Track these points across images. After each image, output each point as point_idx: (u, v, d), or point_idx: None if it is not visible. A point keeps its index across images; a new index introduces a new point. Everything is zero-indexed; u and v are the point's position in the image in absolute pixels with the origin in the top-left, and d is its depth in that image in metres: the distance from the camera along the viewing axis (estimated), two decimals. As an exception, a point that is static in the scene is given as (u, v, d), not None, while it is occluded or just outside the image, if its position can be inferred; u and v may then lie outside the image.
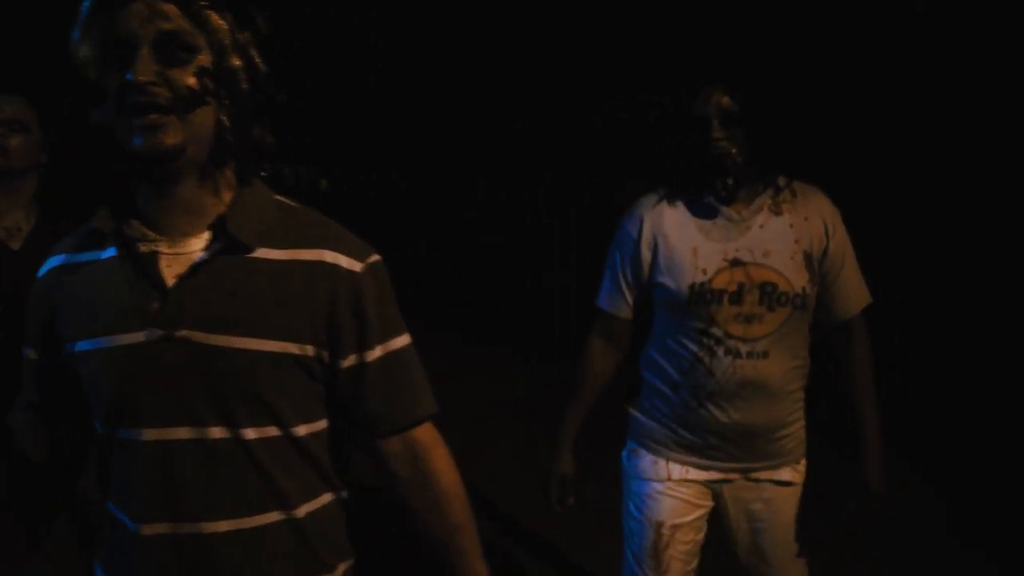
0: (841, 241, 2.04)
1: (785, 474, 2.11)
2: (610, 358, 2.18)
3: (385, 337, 1.36)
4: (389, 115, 13.38)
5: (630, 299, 2.11)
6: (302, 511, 1.35)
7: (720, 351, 1.98)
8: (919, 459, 4.63)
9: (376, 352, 1.35)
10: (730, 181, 1.96)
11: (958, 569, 3.56)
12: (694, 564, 2.15)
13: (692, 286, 1.98)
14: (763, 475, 2.10)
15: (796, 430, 2.12)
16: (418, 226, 11.85)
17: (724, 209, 2.00)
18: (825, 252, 2.02)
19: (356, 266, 1.33)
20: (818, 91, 9.23)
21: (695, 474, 2.10)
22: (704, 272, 1.98)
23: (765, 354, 1.98)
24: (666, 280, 2.02)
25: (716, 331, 1.98)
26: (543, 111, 11.68)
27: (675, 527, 2.10)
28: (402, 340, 1.39)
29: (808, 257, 2.00)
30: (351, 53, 14.04)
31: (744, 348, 1.98)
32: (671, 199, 2.06)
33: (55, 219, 2.23)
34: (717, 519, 2.18)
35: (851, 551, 3.60)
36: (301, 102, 13.23)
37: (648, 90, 10.68)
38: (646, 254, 2.05)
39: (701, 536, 2.15)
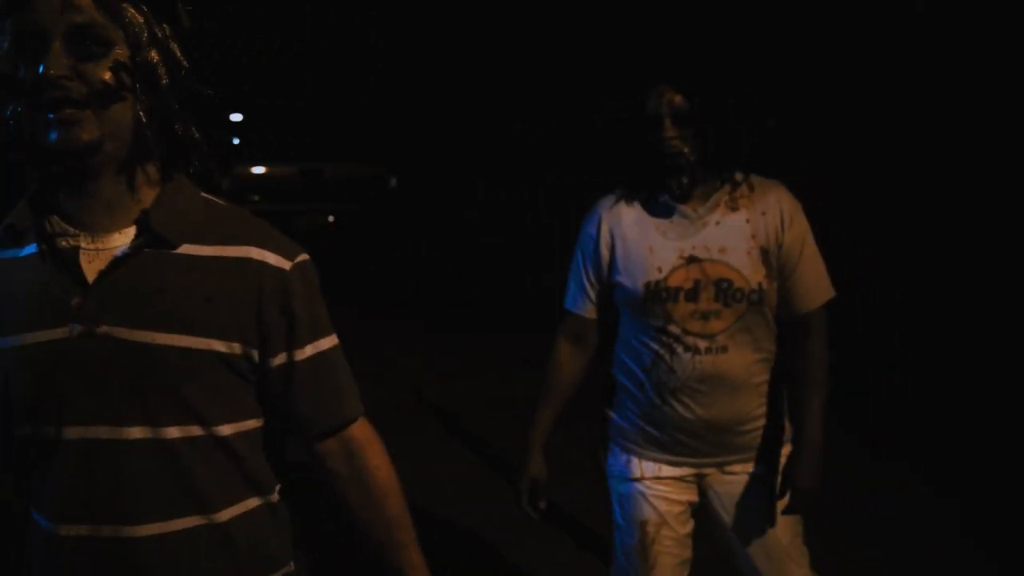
0: (799, 234, 2.03)
1: (760, 467, 2.13)
2: (578, 358, 2.20)
3: (315, 336, 1.35)
4: (389, 115, 13.36)
5: (593, 299, 2.13)
6: (225, 515, 1.32)
7: (679, 348, 2.00)
8: (919, 459, 4.62)
9: (306, 351, 1.34)
10: (685, 179, 1.97)
11: (959, 568, 3.56)
12: (686, 555, 2.16)
13: (648, 284, 2.00)
14: (737, 468, 2.11)
15: (767, 423, 2.12)
16: (418, 226, 11.84)
17: (680, 207, 2.01)
18: (781, 246, 2.02)
19: (284, 264, 1.32)
20: (812, 91, 9.27)
21: (668, 471, 2.12)
22: (659, 270, 2.00)
23: (724, 349, 2.00)
24: (623, 279, 2.04)
25: (674, 328, 2.00)
26: (543, 111, 11.68)
27: (659, 524, 2.11)
28: (330, 341, 1.38)
29: (765, 252, 2.00)
30: (351, 53, 14.03)
31: (703, 344, 1.99)
32: (628, 198, 2.08)
33: None
34: (703, 513, 2.19)
35: (852, 551, 3.60)
36: (301, 102, 13.25)
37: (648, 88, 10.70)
38: (605, 253, 2.07)
39: (688, 528, 2.16)
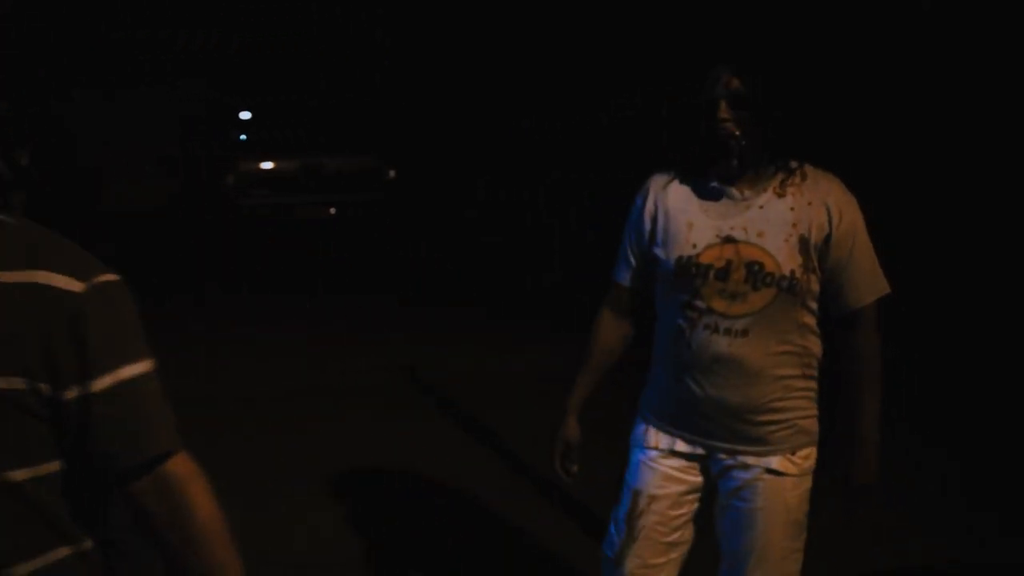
0: (849, 229, 2.00)
1: (774, 463, 2.06)
2: (618, 328, 2.22)
3: (116, 364, 1.23)
4: (390, 109, 13.37)
5: (636, 269, 2.16)
6: (22, 570, 1.20)
7: (700, 324, 2.00)
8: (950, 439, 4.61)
9: (104, 381, 1.22)
10: (735, 163, 1.96)
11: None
12: (674, 536, 2.14)
13: (680, 259, 2.01)
14: (751, 460, 2.07)
15: (790, 418, 2.06)
16: (418, 226, 11.86)
17: (728, 189, 2.01)
18: (828, 239, 1.99)
19: (75, 286, 1.21)
20: (823, 85, 9.22)
21: (682, 446, 2.11)
22: (694, 246, 2.01)
23: (744, 333, 1.98)
24: (659, 251, 2.07)
25: (700, 303, 2.00)
26: (549, 109, 11.65)
27: (652, 497, 2.11)
28: (137, 368, 1.25)
29: (804, 242, 1.98)
30: (357, 51, 14.02)
31: (723, 324, 1.98)
32: (681, 177, 2.10)
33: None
34: (708, 496, 2.17)
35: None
36: (305, 97, 13.27)
37: (652, 86, 10.74)
38: (648, 225, 2.10)
39: (684, 510, 2.15)
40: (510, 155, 12.22)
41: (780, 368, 2.02)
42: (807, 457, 2.10)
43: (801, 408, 2.08)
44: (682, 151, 2.08)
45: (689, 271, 2.00)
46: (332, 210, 12.16)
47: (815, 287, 2.01)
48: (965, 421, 5.12)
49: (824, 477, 2.15)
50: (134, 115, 12.96)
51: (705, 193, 2.04)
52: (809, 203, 1.99)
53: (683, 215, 2.04)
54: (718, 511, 2.14)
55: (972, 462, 4.55)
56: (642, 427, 2.18)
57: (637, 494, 2.13)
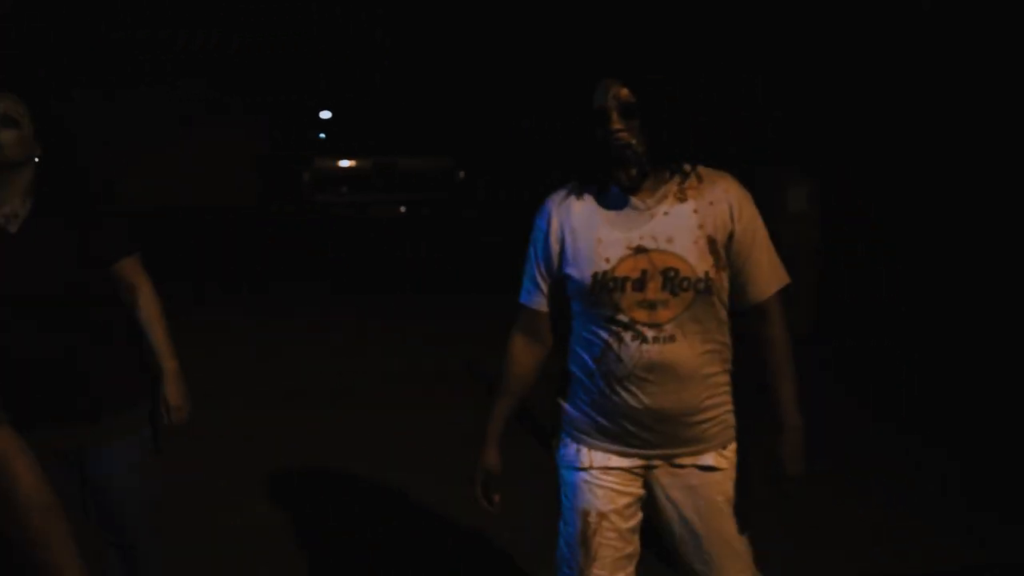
0: (749, 224, 2.05)
1: (709, 459, 2.11)
2: (532, 352, 2.22)
3: None
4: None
5: (545, 292, 2.16)
6: None
7: (627, 337, 2.02)
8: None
9: None
10: (633, 171, 1.99)
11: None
12: (630, 550, 2.17)
13: (595, 275, 2.03)
14: (686, 460, 2.11)
15: (718, 415, 2.12)
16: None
17: (630, 199, 2.04)
18: (731, 235, 2.04)
19: None
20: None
21: (617, 461, 2.13)
22: (607, 261, 2.03)
23: (672, 338, 2.01)
24: (572, 271, 2.07)
25: (622, 318, 2.02)
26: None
27: (601, 514, 2.12)
28: None
29: (712, 241, 2.02)
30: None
31: (650, 333, 2.01)
32: (579, 192, 2.11)
33: (48, 205, 2.36)
34: (650, 505, 2.19)
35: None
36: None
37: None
38: (555, 247, 2.11)
39: (634, 522, 2.17)
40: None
41: (707, 367, 2.07)
42: (734, 451, 2.16)
43: (726, 404, 2.14)
44: (580, 159, 2.09)
45: (607, 286, 2.02)
46: (403, 208, 12.49)
47: (726, 284, 2.07)
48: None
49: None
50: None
51: (608, 206, 2.07)
52: (711, 203, 2.04)
53: (590, 231, 2.06)
54: (666, 517, 2.16)
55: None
56: (573, 447, 2.18)
57: (586, 514, 2.14)
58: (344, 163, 12.64)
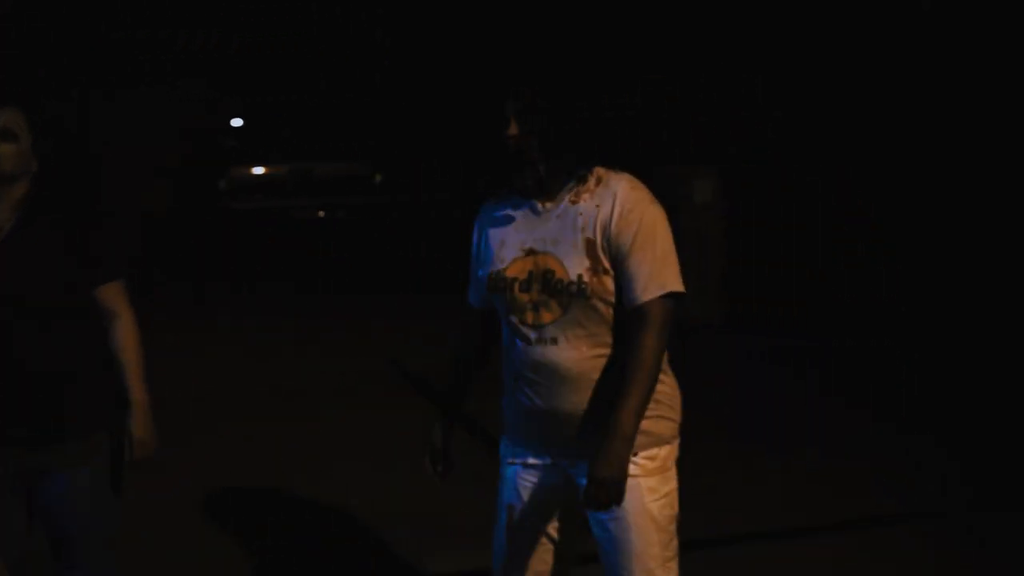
0: (633, 225, 2.00)
1: None
2: (469, 345, 2.33)
3: None
4: (378, 114, 13.49)
5: (477, 290, 2.26)
6: None
7: (517, 337, 2.09)
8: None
9: None
10: (531, 176, 2.04)
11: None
12: (551, 544, 2.18)
13: (491, 274, 2.12)
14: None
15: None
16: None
17: (532, 203, 2.11)
18: (608, 237, 2.02)
19: None
20: (821, 87, 9.34)
21: (532, 459, 2.18)
22: (502, 261, 2.11)
23: (555, 340, 2.04)
24: (480, 269, 2.19)
25: (513, 318, 2.09)
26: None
27: (521, 510, 2.18)
28: None
29: (591, 244, 2.02)
30: (357, 51, 14.03)
31: (533, 335, 2.05)
32: (499, 197, 2.20)
33: (35, 217, 2.32)
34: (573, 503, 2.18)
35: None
36: (316, 100, 13.36)
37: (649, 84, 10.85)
38: (475, 248, 2.24)
39: (556, 517, 2.18)
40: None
41: (599, 372, 2.04)
42: (653, 458, 2.07)
43: None
44: (489, 166, 2.22)
45: (499, 286, 2.09)
46: (321, 213, 12.68)
47: (611, 287, 2.02)
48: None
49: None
50: (137, 117, 13.11)
51: (513, 210, 2.14)
52: (597, 206, 2.04)
53: (498, 234, 2.15)
54: (591, 523, 2.16)
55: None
56: (505, 442, 2.25)
57: (509, 508, 2.19)
58: (260, 170, 12.86)
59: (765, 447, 4.75)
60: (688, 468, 2.23)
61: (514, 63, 1.97)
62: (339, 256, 10.59)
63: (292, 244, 11.43)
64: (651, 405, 2.04)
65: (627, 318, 2.02)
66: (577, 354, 2.03)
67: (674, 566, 2.10)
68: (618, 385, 1.99)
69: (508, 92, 2.04)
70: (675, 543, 2.11)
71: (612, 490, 1.94)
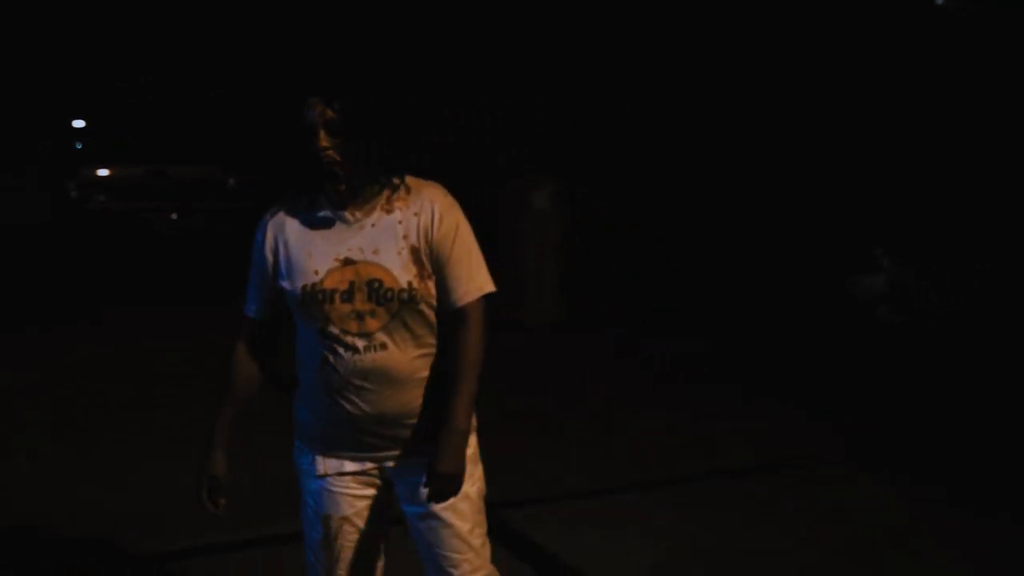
0: (449, 231, 2.11)
1: None
2: (254, 360, 2.27)
3: None
4: (230, 117, 13.56)
5: (262, 302, 2.22)
6: None
7: (340, 348, 2.09)
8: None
9: None
10: (342, 187, 2.07)
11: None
12: (374, 550, 2.25)
13: (305, 287, 2.10)
14: (413, 459, 2.16)
15: (439, 414, 2.15)
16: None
17: (341, 212, 2.12)
18: (431, 243, 2.10)
19: None
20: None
21: (351, 466, 2.20)
22: (316, 273, 2.10)
23: (384, 346, 2.09)
24: (285, 284, 2.14)
25: (333, 329, 2.09)
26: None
27: (342, 519, 2.20)
28: None
29: (416, 251, 2.09)
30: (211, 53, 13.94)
31: (361, 343, 2.08)
32: (294, 204, 2.18)
33: None
34: (393, 504, 2.27)
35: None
36: (168, 101, 13.22)
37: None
38: (270, 259, 2.18)
39: (375, 524, 2.24)
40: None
41: (422, 370, 2.14)
42: (470, 444, 2.19)
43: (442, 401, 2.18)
44: (292, 175, 2.16)
45: (316, 298, 2.09)
46: (174, 215, 12.66)
47: (434, 291, 2.13)
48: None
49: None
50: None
51: (319, 220, 2.13)
52: (415, 214, 2.11)
53: (302, 244, 2.13)
54: (408, 522, 2.24)
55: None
56: (307, 456, 2.24)
57: (327, 519, 2.21)
58: (114, 172, 12.78)
59: (610, 416, 5.42)
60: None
61: (318, 71, 2.00)
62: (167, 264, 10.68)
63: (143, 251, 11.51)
64: (442, 399, 2.16)
65: (448, 319, 2.13)
66: (405, 355, 2.11)
67: (487, 537, 2.26)
68: (441, 382, 2.13)
69: (315, 103, 2.04)
70: (485, 517, 2.26)
71: (455, 483, 2.09)
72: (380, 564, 2.29)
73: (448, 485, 2.08)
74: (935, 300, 7.35)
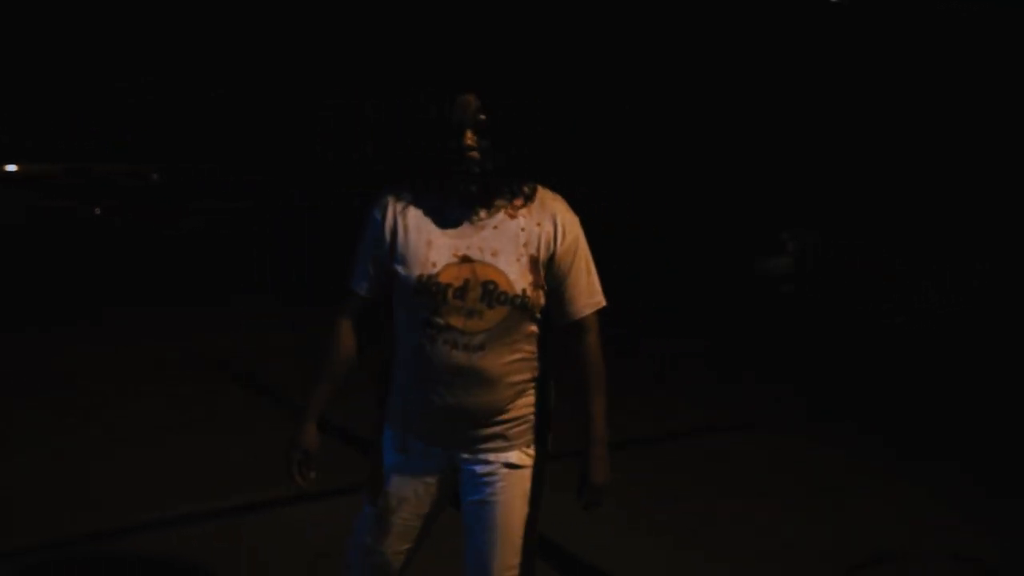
0: (571, 246, 2.17)
1: (513, 457, 2.24)
2: (353, 336, 2.27)
3: None
4: (155, 114, 13.46)
5: (372, 280, 2.22)
6: None
7: (440, 340, 2.12)
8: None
9: None
10: (474, 188, 2.09)
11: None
12: (422, 531, 2.30)
13: (420, 277, 2.11)
14: (492, 456, 2.22)
15: (523, 416, 2.24)
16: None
17: (465, 210, 2.13)
18: (552, 256, 2.15)
19: None
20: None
21: (426, 451, 2.25)
22: (434, 265, 2.11)
23: (481, 347, 2.12)
24: (400, 268, 2.14)
25: (439, 320, 2.11)
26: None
27: (402, 498, 2.25)
28: None
29: (534, 261, 2.13)
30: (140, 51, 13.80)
31: (462, 340, 2.11)
32: (418, 193, 2.18)
33: None
34: (453, 494, 2.31)
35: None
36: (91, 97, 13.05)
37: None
38: (388, 240, 2.17)
39: (433, 508, 2.29)
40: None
41: (514, 375, 2.18)
42: (532, 446, 2.27)
43: (530, 406, 2.26)
44: (423, 168, 2.17)
45: (429, 289, 2.10)
46: (97, 210, 12.43)
47: (543, 301, 2.17)
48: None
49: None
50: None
51: (443, 212, 2.15)
52: (538, 224, 2.14)
53: (422, 234, 2.14)
54: (463, 507, 2.28)
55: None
56: (389, 433, 2.29)
57: (388, 495, 2.26)
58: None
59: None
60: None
61: (473, 72, 1.99)
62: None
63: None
64: (531, 403, 2.24)
65: (564, 331, 2.21)
66: (499, 359, 2.14)
67: (535, 538, 2.30)
68: (533, 387, 2.21)
69: (466, 102, 2.06)
70: (537, 519, 2.30)
71: (604, 491, 2.21)
72: (416, 546, 2.33)
73: (599, 495, 2.22)
74: (829, 279, 8.68)
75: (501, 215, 2.13)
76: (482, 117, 2.05)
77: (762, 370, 6.66)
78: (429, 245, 2.12)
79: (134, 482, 4.07)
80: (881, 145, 9.10)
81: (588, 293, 2.20)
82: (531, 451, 2.25)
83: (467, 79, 2.09)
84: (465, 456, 2.23)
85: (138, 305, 8.10)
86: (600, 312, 2.23)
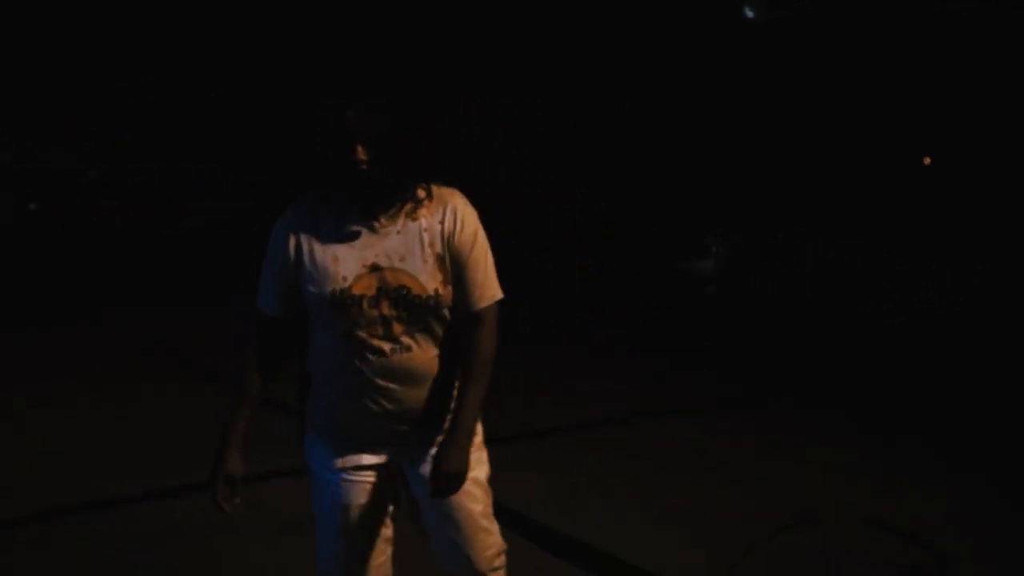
0: (469, 238, 2.17)
1: None
2: (269, 356, 2.25)
3: None
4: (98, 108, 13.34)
5: (281, 299, 2.21)
6: None
7: (366, 352, 2.13)
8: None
9: None
10: (371, 195, 2.10)
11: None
12: (388, 534, 2.32)
13: (334, 292, 2.11)
14: (431, 451, 2.23)
15: (450, 406, 2.25)
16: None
17: (367, 220, 2.14)
18: (451, 247, 2.16)
19: None
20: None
21: (368, 459, 2.25)
22: (344, 279, 2.11)
23: (408, 348, 2.15)
24: (310, 286, 2.14)
25: (360, 334, 2.12)
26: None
27: (359, 507, 2.25)
28: None
29: (440, 258, 2.15)
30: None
31: (387, 347, 2.13)
32: (317, 208, 2.18)
33: None
34: (405, 495, 2.34)
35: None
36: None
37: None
38: (293, 257, 2.16)
39: (390, 511, 2.32)
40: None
41: (443, 367, 2.22)
42: (477, 433, 2.28)
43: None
44: (322, 178, 2.18)
45: (344, 303, 2.11)
46: (32, 206, 12.36)
47: (452, 294, 2.18)
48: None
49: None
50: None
51: (345, 226, 2.14)
52: (440, 221, 2.16)
53: (328, 248, 2.13)
54: (422, 504, 2.29)
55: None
56: (321, 449, 2.27)
57: (346, 508, 2.25)
58: None
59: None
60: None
61: (359, 83, 1.98)
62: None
63: None
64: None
65: (462, 321, 2.20)
66: (427, 356, 2.18)
67: (493, 515, 2.34)
68: (452, 376, 2.22)
69: (355, 113, 2.05)
70: (491, 498, 2.34)
71: (459, 480, 2.16)
72: (391, 551, 2.35)
73: (452, 483, 2.15)
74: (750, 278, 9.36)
75: (402, 219, 2.14)
76: (371, 127, 2.05)
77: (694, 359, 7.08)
78: (336, 260, 2.12)
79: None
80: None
81: (485, 285, 2.20)
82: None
83: (359, 90, 2.09)
84: (407, 457, 2.27)
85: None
86: (501, 304, 2.23)
